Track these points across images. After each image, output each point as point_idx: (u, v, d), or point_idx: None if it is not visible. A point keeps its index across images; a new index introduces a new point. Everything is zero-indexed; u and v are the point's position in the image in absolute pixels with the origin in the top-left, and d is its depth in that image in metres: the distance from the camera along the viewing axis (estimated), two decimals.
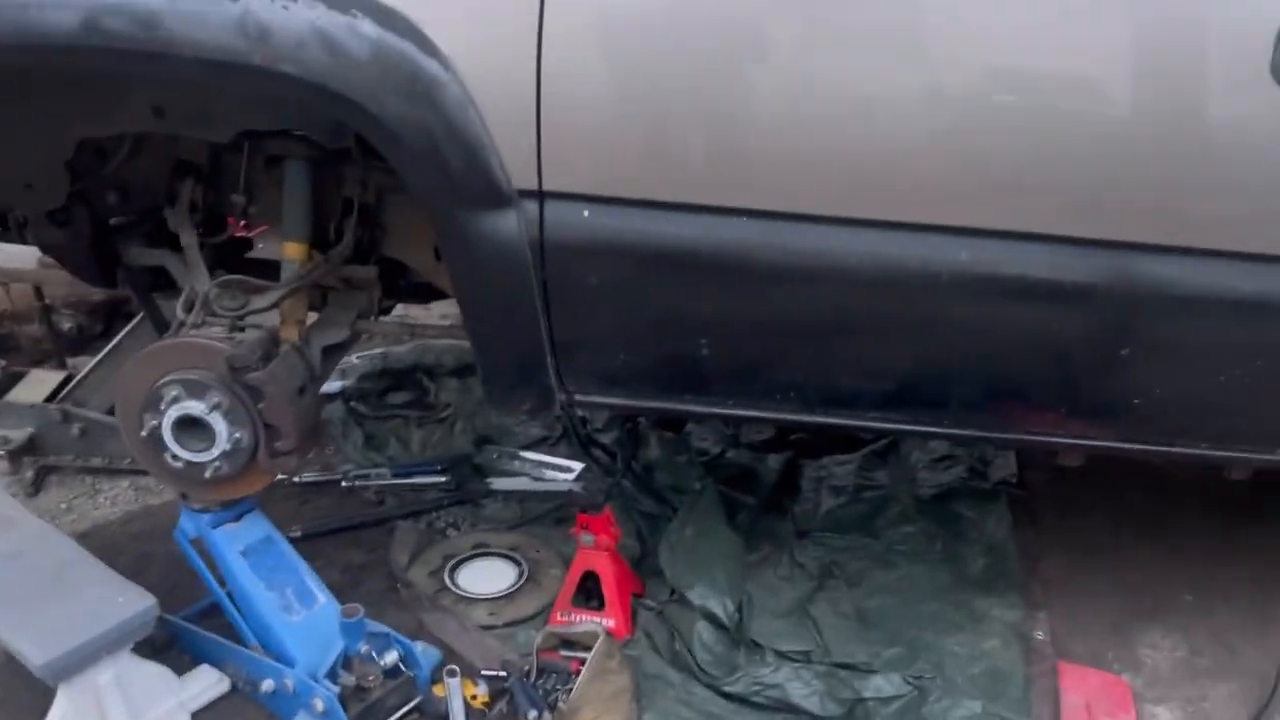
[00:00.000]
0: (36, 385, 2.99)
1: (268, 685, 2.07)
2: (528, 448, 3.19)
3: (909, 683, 2.02)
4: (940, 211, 1.65)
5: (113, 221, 2.35)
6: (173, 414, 1.97)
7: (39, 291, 3.33)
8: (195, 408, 1.96)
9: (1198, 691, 2.24)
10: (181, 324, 2.09)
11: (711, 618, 2.25)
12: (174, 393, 1.97)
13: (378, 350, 3.72)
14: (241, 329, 2.10)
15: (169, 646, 2.33)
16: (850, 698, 2.03)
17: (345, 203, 2.21)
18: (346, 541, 2.76)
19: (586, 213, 1.66)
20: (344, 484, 3.02)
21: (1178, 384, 1.79)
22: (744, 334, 1.78)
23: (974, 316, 1.74)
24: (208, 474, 2.01)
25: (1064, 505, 2.91)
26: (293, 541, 2.70)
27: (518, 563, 2.62)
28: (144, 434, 1.99)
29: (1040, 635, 2.38)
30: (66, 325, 3.76)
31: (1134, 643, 2.39)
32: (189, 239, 2.17)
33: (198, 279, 2.14)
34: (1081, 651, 2.36)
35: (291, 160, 2.13)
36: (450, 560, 2.63)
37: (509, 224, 1.65)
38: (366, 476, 3.03)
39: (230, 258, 2.43)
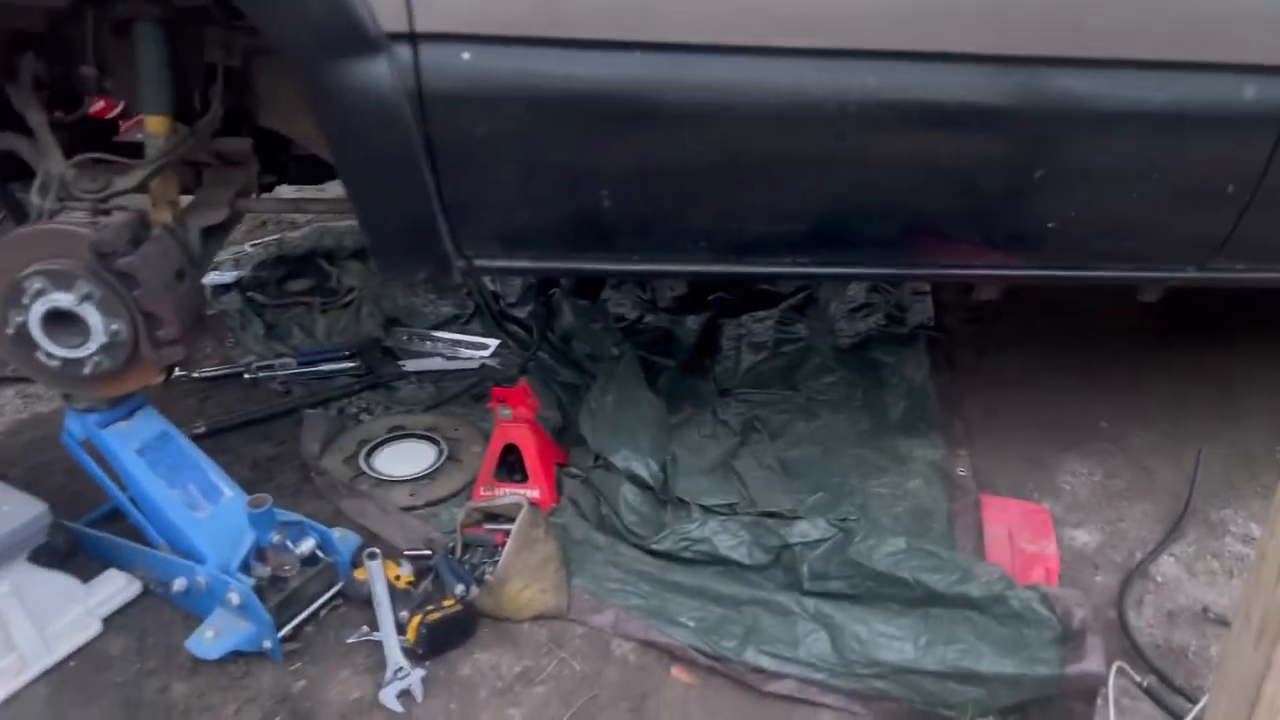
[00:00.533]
0: None
1: (179, 584, 1.99)
2: (439, 327, 3.09)
3: (834, 525, 2.01)
4: (847, 34, 1.56)
5: None
6: (39, 308, 1.82)
7: None
8: (63, 300, 1.81)
9: (1114, 513, 2.29)
10: (41, 212, 1.91)
11: (636, 479, 2.22)
12: (38, 285, 1.81)
13: (273, 237, 3.55)
14: (106, 212, 1.93)
15: (74, 553, 2.23)
16: (777, 545, 2.02)
17: (209, 68, 2.03)
18: (255, 435, 2.66)
19: (467, 55, 1.53)
20: (247, 376, 2.89)
21: (1092, 204, 1.75)
22: (646, 182, 1.68)
23: (885, 147, 1.67)
24: (87, 370, 1.88)
25: (981, 345, 2.92)
26: (197, 438, 2.58)
27: (436, 443, 2.55)
28: (10, 332, 1.84)
29: (962, 472, 2.40)
30: None
31: (1053, 472, 2.43)
32: (36, 118, 1.97)
33: (52, 161, 1.96)
34: (1003, 485, 2.39)
35: (142, 23, 1.93)
36: (366, 445, 2.55)
37: (380, 72, 1.51)
38: (271, 367, 2.90)
39: (97, 141, 2.24)
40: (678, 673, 1.90)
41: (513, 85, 1.55)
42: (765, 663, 1.82)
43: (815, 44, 1.56)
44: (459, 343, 2.99)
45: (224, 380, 2.91)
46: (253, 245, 3.63)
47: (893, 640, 1.74)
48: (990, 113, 1.62)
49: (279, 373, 2.88)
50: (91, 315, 1.83)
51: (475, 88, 1.55)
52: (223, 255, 3.64)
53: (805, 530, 2.01)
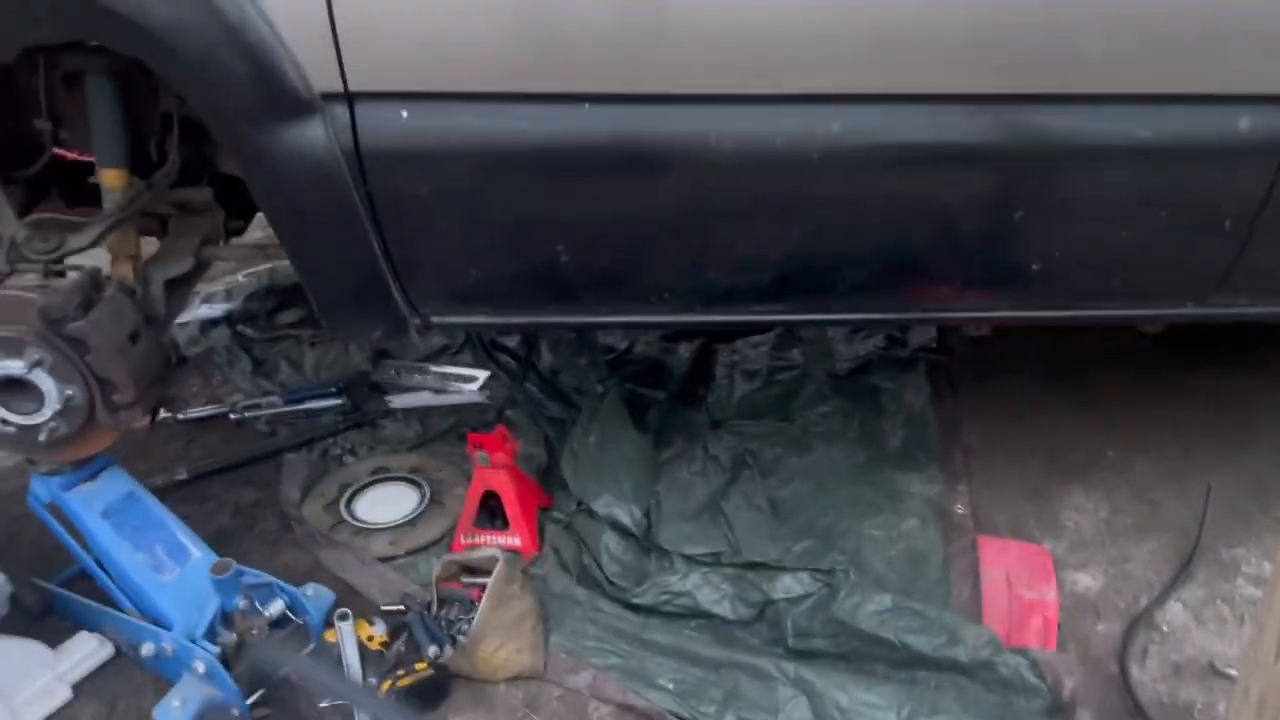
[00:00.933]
0: None
1: (148, 649, 1.94)
2: (428, 359, 3.03)
3: (818, 579, 1.93)
4: (804, 79, 1.47)
5: None
6: None
7: None
8: (14, 367, 1.76)
9: (1119, 552, 2.19)
10: None
11: (618, 527, 2.14)
12: None
13: (265, 265, 3.49)
14: (61, 273, 1.88)
15: (48, 613, 2.19)
16: (760, 600, 1.95)
17: (165, 118, 1.97)
18: (237, 480, 2.61)
19: (405, 113, 1.46)
20: (233, 416, 2.84)
21: (1078, 243, 1.66)
22: (602, 235, 1.61)
23: (852, 192, 1.58)
24: (43, 436, 1.83)
25: (984, 368, 2.82)
26: (179, 484, 2.55)
27: (420, 485, 2.49)
28: None
29: (960, 509, 2.30)
30: None
31: (1056, 506, 2.33)
32: None
33: (3, 221, 1.91)
34: (1003, 520, 2.30)
35: (92, 76, 1.87)
36: (347, 489, 2.49)
37: (315, 135, 1.44)
38: (257, 406, 2.85)
39: (76, 187, 2.18)
40: None
41: (454, 141, 1.48)
42: None
43: (769, 89, 1.47)
44: (448, 375, 2.93)
45: (210, 421, 2.86)
46: (245, 275, 3.58)
47: (875, 710, 1.66)
48: (963, 154, 1.53)
49: (264, 411, 2.83)
50: (44, 381, 1.78)
51: (415, 146, 1.48)
52: (215, 286, 3.60)
53: (789, 585, 1.93)
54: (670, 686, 1.83)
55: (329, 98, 1.44)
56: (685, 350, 2.88)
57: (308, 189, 1.49)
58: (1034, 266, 1.67)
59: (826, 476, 2.40)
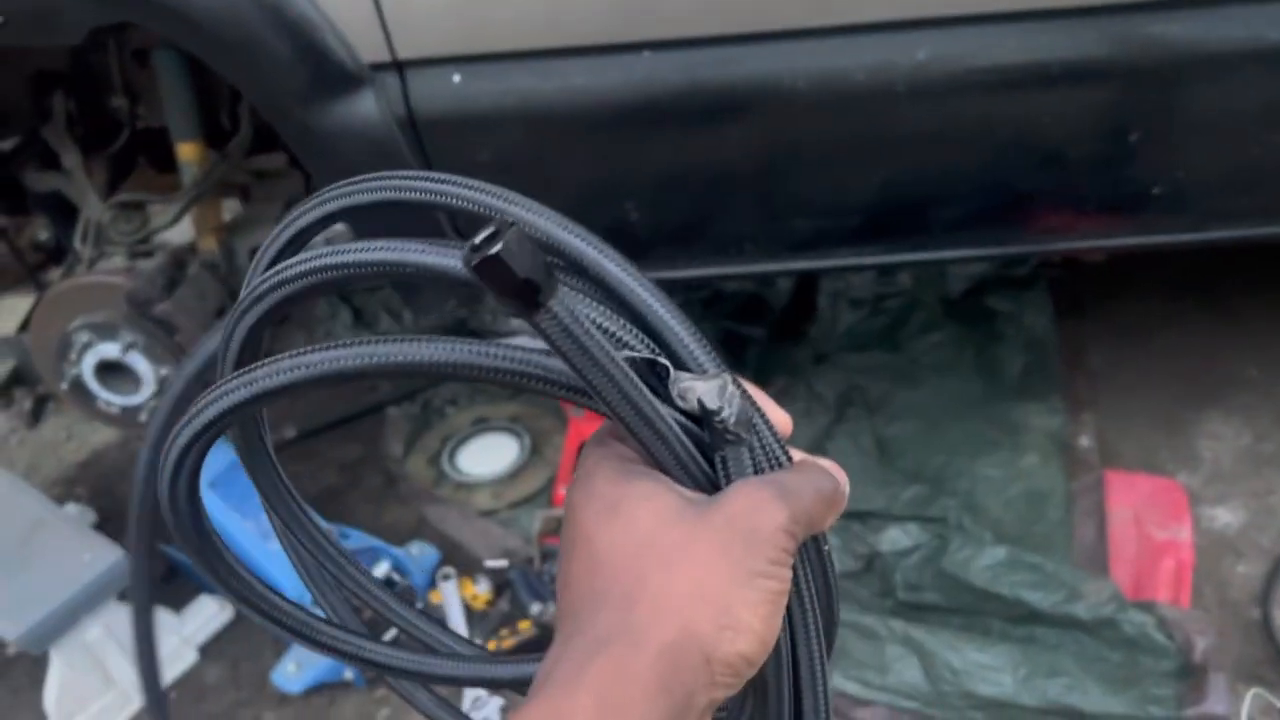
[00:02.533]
0: (8, 315, 2.86)
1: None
2: None
3: (928, 530, 1.84)
4: (883, 5, 1.32)
5: (4, 147, 2.14)
6: (89, 360, 1.82)
7: None
8: (110, 350, 1.80)
9: (1263, 484, 2.01)
10: (80, 258, 1.90)
11: None
12: (84, 338, 1.80)
13: None
14: (149, 253, 1.90)
15: (173, 577, 2.28)
16: (867, 552, 1.87)
17: (234, 88, 1.94)
18: (343, 436, 2.65)
19: (457, 78, 1.38)
20: None
21: (1203, 162, 1.48)
22: (674, 188, 1.51)
23: (944, 124, 1.43)
24: (144, 416, 1.87)
25: (1112, 284, 2.61)
26: (287, 444, 2.61)
27: (519, 435, 2.47)
28: (65, 386, 1.84)
29: (1085, 442, 2.16)
30: (43, 235, 3.61)
31: (1191, 435, 2.15)
32: (70, 159, 1.94)
33: (89, 203, 1.93)
34: (1132, 453, 2.14)
35: (158, 51, 1.85)
36: (449, 442, 2.50)
37: (367, 108, 1.38)
38: None
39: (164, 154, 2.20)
40: None
41: (510, 104, 1.40)
42: (853, 689, 1.68)
43: (854, 19, 1.33)
44: None
45: None
46: (344, 224, 3.60)
47: (989, 671, 1.57)
48: (1066, 73, 1.36)
49: None
50: (139, 363, 1.82)
51: (471, 111, 1.40)
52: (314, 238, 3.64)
53: (896, 537, 1.85)
54: None
55: (378, 68, 1.37)
56: (785, 282, 2.76)
57: (365, 165, 1.42)
58: (1154, 190, 1.50)
59: (938, 412, 2.27)
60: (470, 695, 1.85)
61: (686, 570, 0.42)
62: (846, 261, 1.63)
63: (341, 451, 2.58)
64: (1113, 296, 2.58)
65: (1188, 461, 2.10)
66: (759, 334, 2.57)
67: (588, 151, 1.46)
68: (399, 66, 1.38)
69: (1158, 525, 1.93)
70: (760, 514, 0.43)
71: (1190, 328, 2.42)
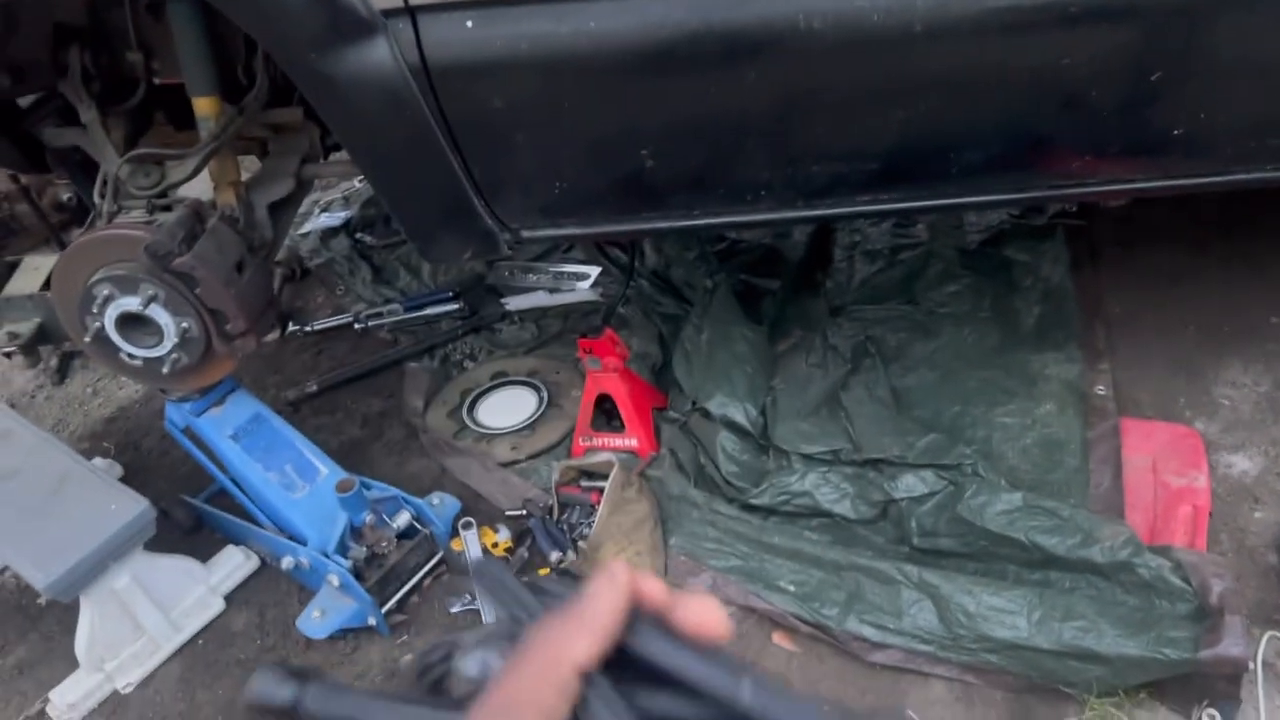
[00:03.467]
0: (32, 273, 2.89)
1: (287, 562, 2.03)
2: (541, 258, 3.00)
3: (943, 477, 1.84)
4: None
5: (23, 103, 2.15)
6: (111, 313, 1.83)
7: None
8: (131, 303, 1.81)
9: None
10: (99, 213, 1.91)
11: (733, 426, 2.09)
12: (106, 291, 1.82)
13: None
14: (166, 208, 1.91)
15: (198, 529, 2.33)
16: (882, 499, 1.88)
17: (249, 41, 1.94)
18: (364, 390, 2.67)
19: (470, 23, 1.38)
20: (356, 326, 2.90)
21: (1228, 103, 1.45)
22: (690, 135, 1.50)
23: (960, 64, 1.42)
24: (167, 369, 1.89)
25: (1129, 233, 2.59)
26: (309, 397, 2.63)
27: (537, 389, 2.49)
28: (89, 338, 1.86)
29: (1101, 391, 2.15)
30: (65, 196, 3.63)
31: (1209, 383, 2.15)
32: (88, 113, 1.95)
33: (107, 157, 1.94)
34: (1149, 401, 2.13)
35: (173, 4, 1.85)
36: (468, 395, 2.52)
37: (380, 55, 1.38)
38: (379, 315, 2.90)
39: (182, 110, 2.21)
40: (779, 640, 1.81)
41: (523, 50, 1.39)
42: (869, 633, 1.70)
43: None
44: (561, 273, 2.90)
45: (335, 331, 2.93)
46: (360, 180, 3.60)
47: (1003, 615, 1.58)
48: (1088, 11, 1.34)
49: (386, 320, 2.88)
50: (161, 315, 1.83)
51: (483, 57, 1.40)
52: (332, 194, 3.64)
53: (912, 484, 1.86)
54: (791, 589, 1.81)
55: (390, 14, 1.37)
56: (800, 235, 2.75)
57: (379, 112, 1.43)
58: (1176, 132, 1.48)
59: (954, 362, 2.27)
60: None
61: None
62: (864, 209, 1.62)
63: (363, 405, 2.61)
64: (1131, 245, 2.57)
65: (1205, 409, 2.09)
66: (775, 287, 2.57)
67: (602, 98, 1.45)
68: (411, 12, 1.37)
69: (1175, 472, 1.93)
70: None
71: (1209, 276, 2.40)
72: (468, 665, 0.42)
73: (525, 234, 1.65)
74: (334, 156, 2.32)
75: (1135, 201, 2.50)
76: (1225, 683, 1.49)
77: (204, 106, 1.91)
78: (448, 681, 0.43)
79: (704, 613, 0.42)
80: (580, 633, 0.39)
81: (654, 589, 0.43)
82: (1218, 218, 2.53)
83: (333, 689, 0.48)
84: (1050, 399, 2.12)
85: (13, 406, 2.73)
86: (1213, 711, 1.51)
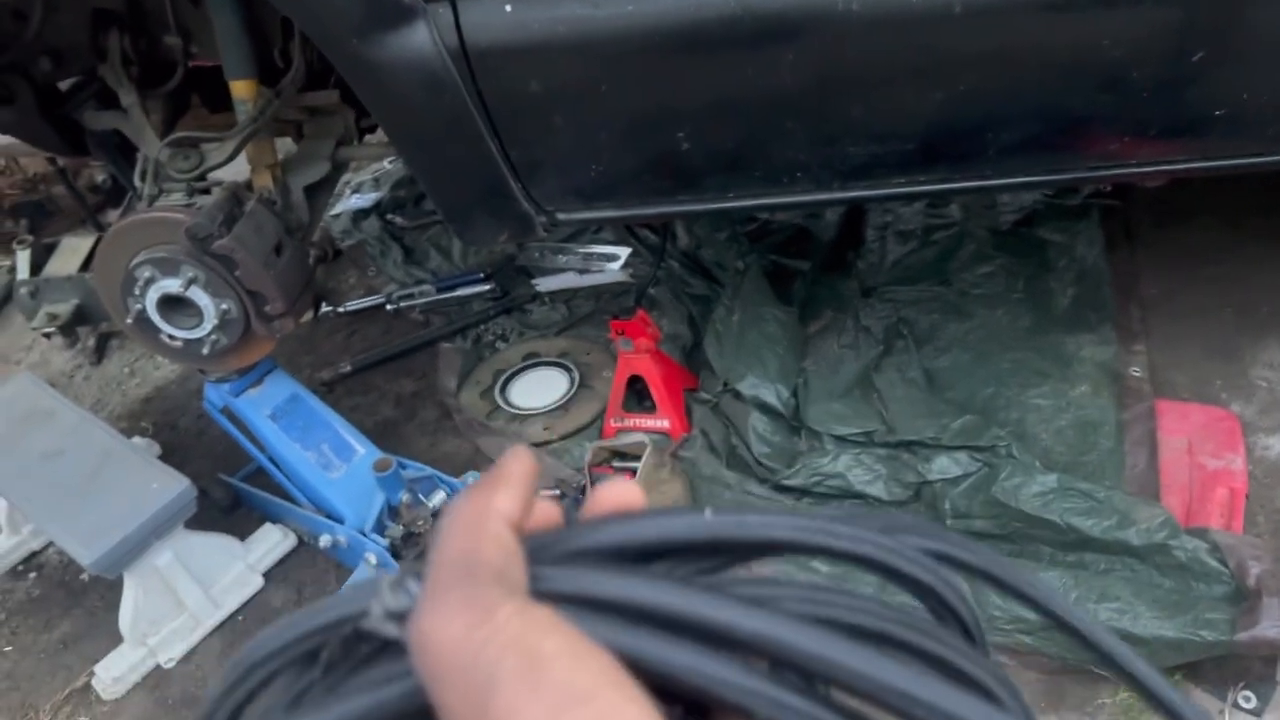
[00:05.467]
0: (70, 254, 2.93)
1: (325, 540, 2.06)
2: (571, 239, 3.01)
3: (977, 459, 1.84)
4: None
5: (64, 87, 2.18)
6: (152, 295, 1.86)
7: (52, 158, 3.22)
8: (172, 285, 1.84)
9: None
10: (139, 196, 1.93)
11: (765, 408, 2.10)
12: (147, 273, 1.84)
13: None
14: (206, 190, 1.93)
15: (237, 507, 2.36)
16: (915, 481, 1.88)
17: (285, 23, 1.96)
18: (397, 370, 2.70)
19: (509, 6, 1.38)
20: (389, 307, 2.92)
21: (1269, 82, 1.44)
22: (723, 116, 1.50)
23: (999, 44, 1.41)
24: (206, 350, 1.92)
25: (1166, 214, 2.56)
26: (343, 377, 2.66)
27: (569, 370, 2.51)
28: (130, 320, 1.89)
29: (1136, 372, 2.14)
30: (100, 178, 3.68)
31: (1246, 364, 2.13)
32: (128, 97, 1.97)
33: (147, 141, 1.96)
34: (1185, 383, 2.12)
35: None
36: (501, 376, 2.54)
37: (420, 39, 1.39)
38: (410, 296, 2.92)
39: (218, 94, 2.22)
40: None
41: (561, 32, 1.39)
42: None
43: None
44: (591, 254, 2.91)
45: (368, 312, 2.95)
46: (391, 162, 3.62)
47: None
48: None
49: (418, 301, 2.90)
50: (201, 298, 1.86)
51: (522, 40, 1.41)
52: (363, 175, 3.66)
53: (946, 465, 1.86)
54: (824, 569, 1.81)
55: None
56: (832, 215, 2.74)
57: (418, 96, 1.44)
58: (1217, 112, 1.47)
59: (987, 343, 2.27)
60: None
61: None
62: (900, 190, 1.61)
63: (397, 385, 2.63)
64: (1167, 226, 2.55)
65: (1242, 391, 2.07)
66: (806, 268, 2.56)
67: (639, 80, 1.45)
68: None
69: (1211, 454, 1.92)
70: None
71: (1246, 257, 2.37)
72: (390, 599, 0.33)
73: (561, 216, 1.66)
74: (369, 139, 2.34)
75: (1173, 182, 2.47)
76: (1262, 664, 1.49)
77: (241, 89, 1.92)
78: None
79: (621, 492, 0.40)
80: (496, 487, 0.37)
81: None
82: (1256, 197, 2.50)
83: None
84: (1084, 380, 2.11)
85: (52, 386, 2.77)
86: (1248, 693, 1.51)
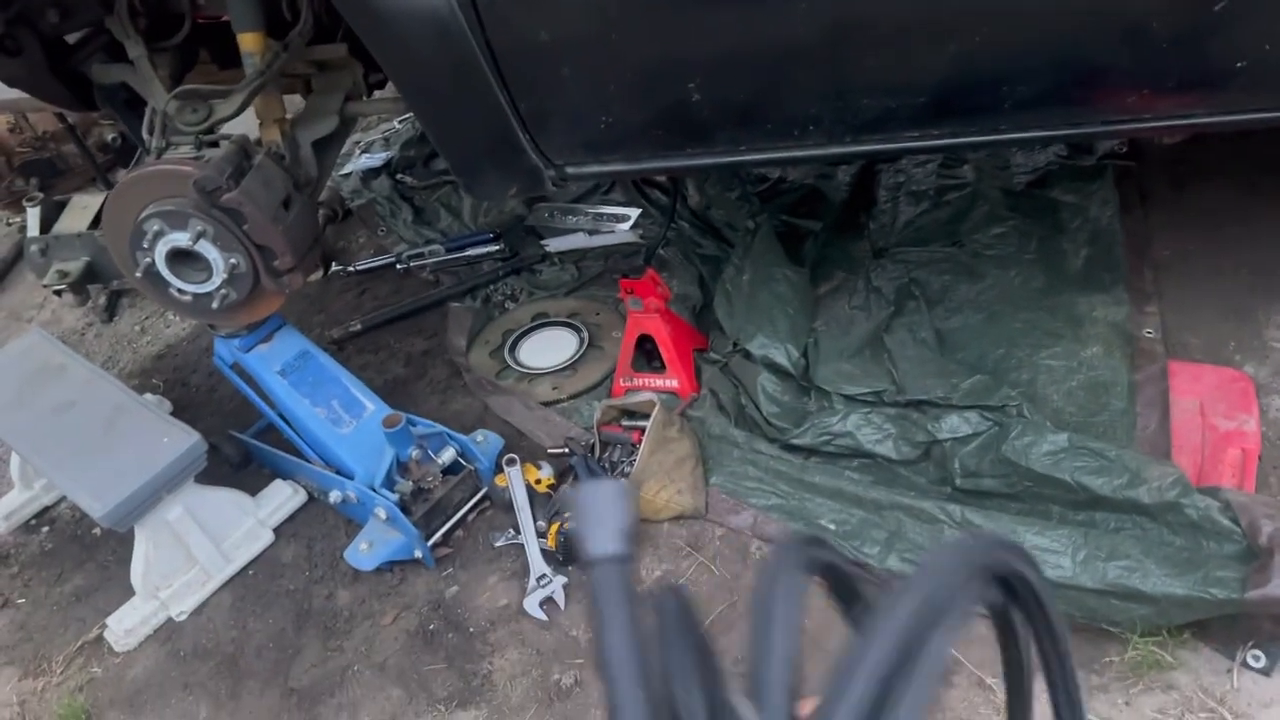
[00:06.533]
0: (80, 212, 2.93)
1: (335, 496, 2.07)
2: (581, 200, 2.99)
3: (988, 418, 1.83)
4: None
5: (72, 40, 2.16)
6: (161, 248, 1.86)
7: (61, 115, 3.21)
8: (181, 239, 1.84)
9: None
10: (147, 149, 1.93)
11: (774, 368, 2.09)
12: (156, 226, 1.84)
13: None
14: (214, 143, 1.92)
15: (247, 463, 2.37)
16: (925, 440, 1.87)
17: None
18: (407, 329, 2.70)
19: None
20: (399, 267, 2.92)
21: None
22: (736, 67, 1.48)
23: None
24: (216, 304, 1.92)
25: (1181, 174, 2.53)
26: (353, 336, 2.66)
27: (578, 330, 2.50)
28: (140, 273, 1.89)
29: (1149, 333, 2.12)
30: (110, 136, 3.66)
31: (1260, 325, 2.11)
32: (135, 49, 1.96)
33: (155, 94, 1.95)
34: (1198, 344, 2.10)
35: None
36: (510, 335, 2.54)
37: None
38: (420, 256, 2.91)
39: (227, 50, 2.21)
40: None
41: None
42: (909, 572, 1.71)
43: None
44: (600, 215, 2.89)
45: (378, 272, 2.95)
46: (400, 121, 3.60)
47: (1047, 554, 1.58)
48: None
49: (428, 261, 2.89)
50: (210, 251, 1.86)
51: None
52: (372, 135, 3.65)
53: (956, 425, 1.85)
54: (832, 527, 1.81)
55: None
56: (844, 175, 2.72)
57: (427, 46, 1.43)
58: (1239, 64, 1.45)
59: (999, 304, 2.25)
60: (535, 574, 1.90)
61: None
62: (913, 144, 1.59)
63: (407, 344, 2.63)
64: (1182, 186, 2.51)
65: (1256, 352, 2.06)
66: (817, 228, 2.55)
67: (649, 29, 1.44)
68: None
69: (1223, 415, 1.91)
70: None
71: (1262, 220, 2.34)
72: None
73: (570, 170, 1.64)
74: (377, 94, 2.32)
75: (1188, 140, 2.45)
76: (1271, 623, 1.48)
77: (249, 42, 1.91)
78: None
79: None
80: None
81: None
82: (1272, 157, 2.47)
83: None
84: (1097, 341, 2.09)
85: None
86: (1257, 652, 1.51)
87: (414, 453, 2.00)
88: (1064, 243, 2.39)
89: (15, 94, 2.88)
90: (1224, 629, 1.53)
